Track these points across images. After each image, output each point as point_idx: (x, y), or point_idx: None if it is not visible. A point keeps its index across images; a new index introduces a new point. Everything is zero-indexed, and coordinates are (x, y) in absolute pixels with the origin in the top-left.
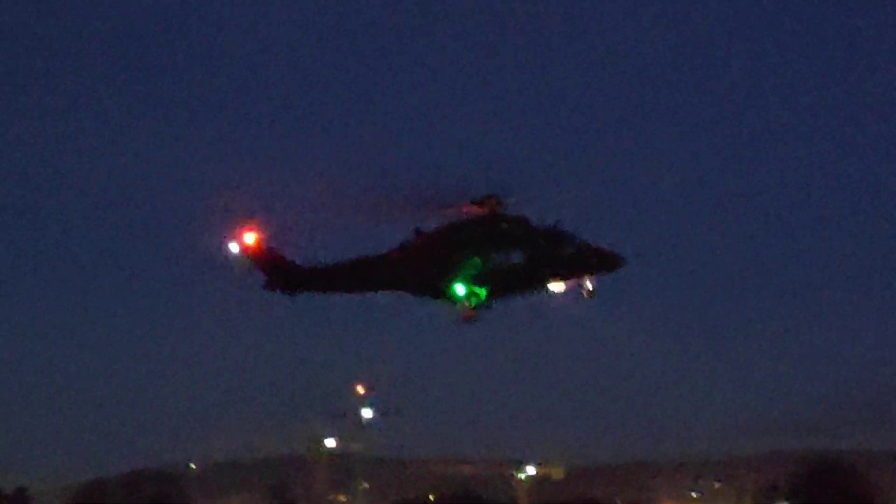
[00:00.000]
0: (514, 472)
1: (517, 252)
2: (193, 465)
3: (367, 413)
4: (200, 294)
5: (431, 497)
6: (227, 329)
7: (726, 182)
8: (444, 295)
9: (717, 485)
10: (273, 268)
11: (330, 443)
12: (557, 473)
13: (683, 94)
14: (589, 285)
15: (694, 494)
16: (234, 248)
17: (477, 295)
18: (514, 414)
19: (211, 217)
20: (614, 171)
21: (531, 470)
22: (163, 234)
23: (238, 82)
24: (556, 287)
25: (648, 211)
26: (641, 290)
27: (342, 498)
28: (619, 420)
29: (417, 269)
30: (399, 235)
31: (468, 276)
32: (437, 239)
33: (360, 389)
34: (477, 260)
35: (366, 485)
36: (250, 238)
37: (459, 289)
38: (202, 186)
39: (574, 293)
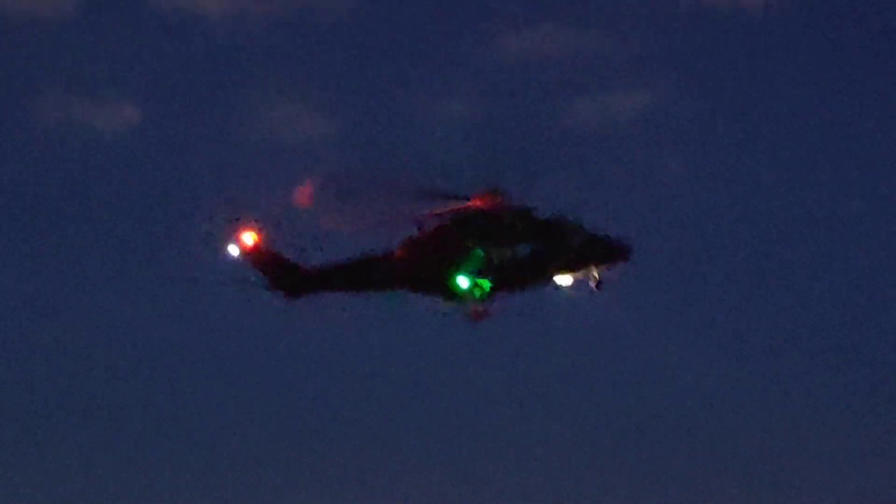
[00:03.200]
0: None
1: (521, 244)
2: None
3: None
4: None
5: None
6: None
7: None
8: (449, 290)
9: None
10: (275, 269)
11: None
12: None
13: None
14: (596, 277)
15: None
16: (234, 250)
17: (481, 287)
18: None
19: (209, 220)
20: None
21: None
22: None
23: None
24: (564, 280)
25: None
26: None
27: None
28: None
29: (421, 265)
30: (399, 233)
31: (472, 269)
32: (440, 234)
33: None
34: (480, 252)
35: None
36: (249, 239)
37: (463, 281)
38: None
39: (582, 286)
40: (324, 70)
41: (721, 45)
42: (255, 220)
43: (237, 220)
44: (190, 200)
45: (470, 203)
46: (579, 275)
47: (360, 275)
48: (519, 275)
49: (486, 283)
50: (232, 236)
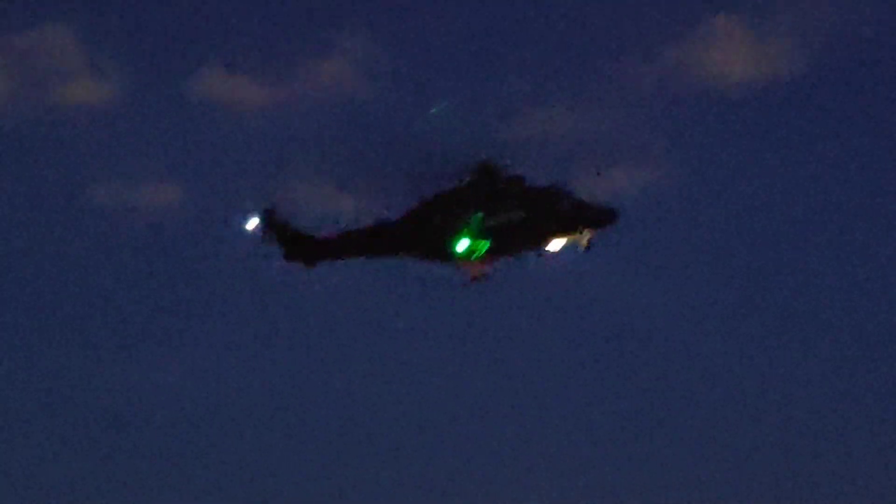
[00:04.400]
0: None
1: (516, 210)
2: None
3: None
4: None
5: None
6: None
7: None
8: (450, 253)
9: None
10: (290, 239)
11: None
12: None
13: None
14: (585, 239)
15: None
16: (252, 223)
17: (479, 249)
18: None
19: (233, 201)
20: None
21: None
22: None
23: None
24: (556, 244)
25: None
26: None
27: None
28: None
29: (425, 231)
30: (405, 203)
31: (471, 233)
32: (442, 203)
33: None
34: (478, 218)
35: None
36: (270, 216)
37: (462, 244)
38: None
39: (572, 249)
40: (351, 150)
41: (715, 123)
42: (274, 199)
43: (260, 199)
44: (228, 265)
45: (468, 174)
46: (570, 238)
47: (370, 242)
48: (514, 238)
49: (483, 246)
50: (250, 213)
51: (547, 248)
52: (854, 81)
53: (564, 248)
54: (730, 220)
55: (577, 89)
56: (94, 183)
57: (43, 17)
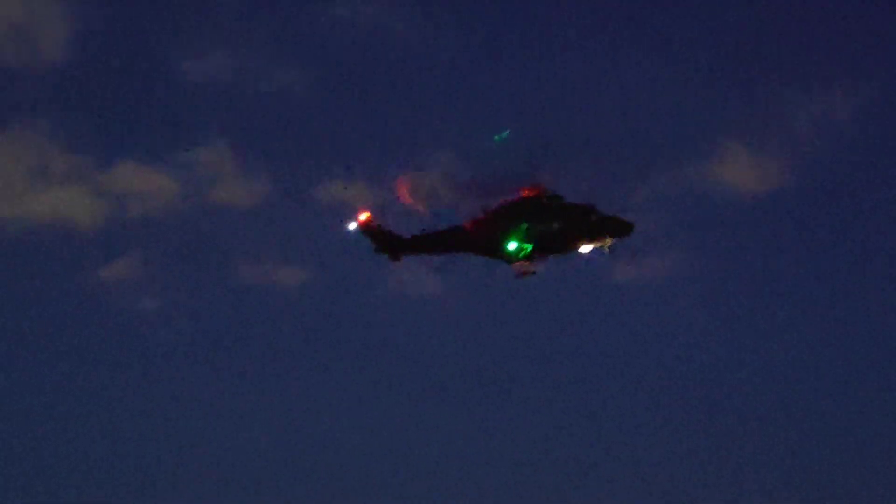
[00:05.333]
0: None
1: (555, 221)
2: None
3: None
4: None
5: None
6: None
7: None
8: (502, 252)
9: None
10: (381, 238)
11: None
12: None
13: None
14: (608, 244)
15: None
16: (353, 225)
17: (525, 249)
18: None
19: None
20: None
21: None
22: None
23: None
24: (585, 248)
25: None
26: None
27: None
28: None
29: (485, 235)
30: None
31: (519, 237)
32: (498, 213)
33: None
34: (525, 226)
35: None
36: (363, 217)
37: (512, 245)
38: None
39: (599, 252)
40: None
41: (730, 221)
42: (367, 204)
43: (357, 205)
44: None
45: (518, 192)
46: (596, 244)
47: (441, 242)
48: (553, 243)
49: (528, 247)
50: (352, 217)
51: (579, 251)
52: (834, 191)
53: (592, 251)
54: (733, 294)
55: (619, 194)
56: (241, 264)
57: (204, 137)
